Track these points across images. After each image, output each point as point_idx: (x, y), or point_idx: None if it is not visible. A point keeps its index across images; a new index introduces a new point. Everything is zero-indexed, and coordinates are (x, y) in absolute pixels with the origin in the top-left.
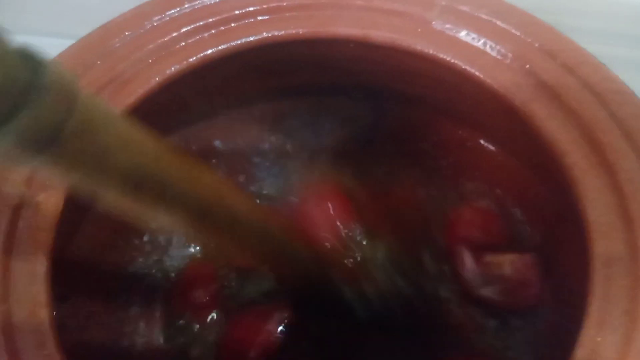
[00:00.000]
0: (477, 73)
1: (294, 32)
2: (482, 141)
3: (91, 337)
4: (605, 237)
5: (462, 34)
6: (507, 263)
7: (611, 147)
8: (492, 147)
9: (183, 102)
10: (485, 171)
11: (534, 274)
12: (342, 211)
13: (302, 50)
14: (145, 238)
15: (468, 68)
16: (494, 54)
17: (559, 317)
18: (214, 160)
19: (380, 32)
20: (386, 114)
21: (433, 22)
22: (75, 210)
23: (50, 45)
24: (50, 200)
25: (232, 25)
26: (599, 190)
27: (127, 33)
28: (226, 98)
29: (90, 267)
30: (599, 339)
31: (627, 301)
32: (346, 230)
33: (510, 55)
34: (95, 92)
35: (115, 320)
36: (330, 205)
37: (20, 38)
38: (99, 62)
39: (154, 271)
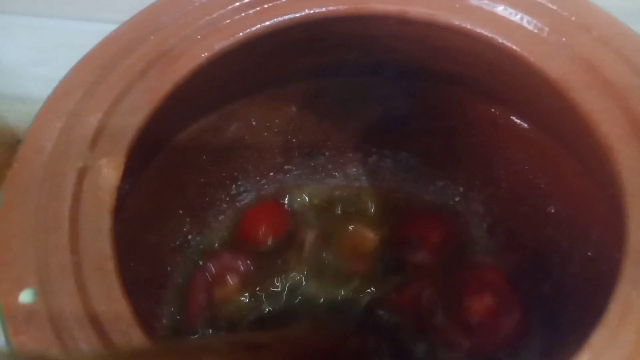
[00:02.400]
0: (513, 47)
1: (334, 8)
2: (514, 118)
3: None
4: (639, 201)
5: (499, 9)
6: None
7: None
8: (524, 124)
9: (226, 79)
10: (517, 148)
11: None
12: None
13: (341, 27)
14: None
15: (505, 42)
16: (530, 27)
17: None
18: (248, 140)
19: (418, 8)
20: (419, 93)
21: None
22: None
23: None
24: (111, 164)
25: (276, 2)
26: (634, 158)
27: (176, 11)
28: (265, 76)
29: (136, 237)
30: (634, 294)
31: None
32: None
33: (546, 29)
34: (146, 65)
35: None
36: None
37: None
38: (152, 37)
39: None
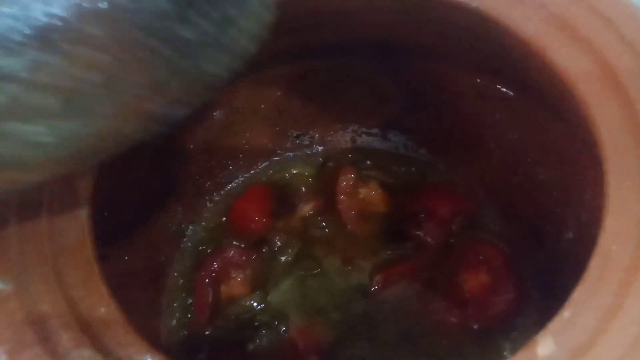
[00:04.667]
0: (489, 11)
1: None
2: (499, 87)
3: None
4: (618, 155)
5: None
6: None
7: (623, 70)
8: (510, 93)
9: None
10: (504, 118)
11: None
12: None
13: (321, 4)
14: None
15: (480, 6)
16: None
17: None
18: (236, 127)
19: None
20: (404, 70)
21: None
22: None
23: None
24: None
25: None
26: (611, 113)
27: None
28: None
29: (129, 227)
30: (614, 247)
31: None
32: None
33: None
34: None
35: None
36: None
37: None
38: None
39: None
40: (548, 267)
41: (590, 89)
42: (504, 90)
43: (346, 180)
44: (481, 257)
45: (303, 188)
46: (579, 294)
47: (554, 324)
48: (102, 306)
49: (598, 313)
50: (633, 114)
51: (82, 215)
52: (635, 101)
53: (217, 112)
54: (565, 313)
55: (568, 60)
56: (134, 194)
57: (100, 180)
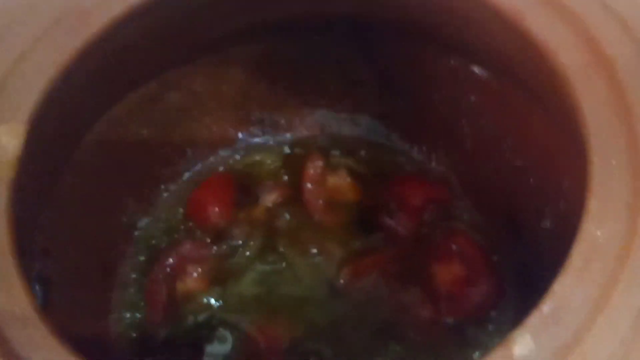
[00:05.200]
0: None
1: None
2: (474, 68)
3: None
4: (602, 132)
5: None
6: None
7: (607, 41)
8: (485, 73)
9: (157, 41)
10: (480, 100)
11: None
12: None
13: None
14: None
15: None
16: None
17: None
18: (195, 111)
19: None
20: (374, 50)
21: None
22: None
23: None
24: (10, 132)
25: None
26: (594, 87)
27: None
28: (204, 38)
29: (74, 220)
30: (598, 232)
31: (628, 194)
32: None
33: None
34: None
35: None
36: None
37: None
38: None
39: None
40: (526, 258)
41: (571, 62)
42: (479, 71)
43: (313, 168)
44: (455, 248)
45: (267, 177)
46: (560, 286)
47: (532, 320)
48: (16, 305)
49: (582, 308)
50: (617, 87)
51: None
52: (620, 73)
53: (173, 94)
54: (545, 308)
55: (547, 32)
56: (82, 183)
57: (28, 167)
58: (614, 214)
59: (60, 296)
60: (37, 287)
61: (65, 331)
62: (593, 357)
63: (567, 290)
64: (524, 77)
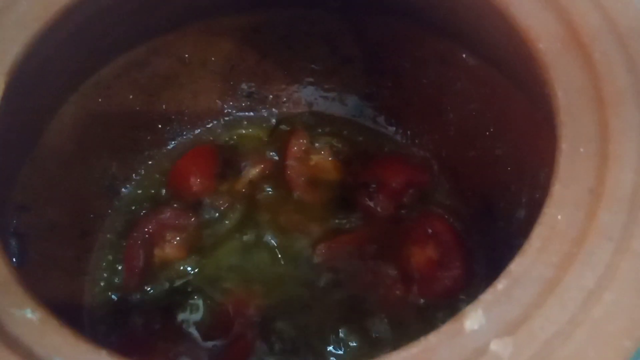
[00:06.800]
0: None
1: None
2: (463, 54)
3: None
4: (574, 120)
5: None
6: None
7: (587, 29)
8: (473, 60)
9: (146, 3)
10: (466, 86)
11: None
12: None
13: None
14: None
15: None
16: None
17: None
18: (182, 79)
19: None
20: (365, 28)
21: None
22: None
23: None
24: None
25: None
26: (570, 75)
27: None
28: (195, 3)
29: (54, 179)
30: (559, 216)
31: (591, 181)
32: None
33: None
34: None
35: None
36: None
37: None
38: None
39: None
40: (499, 245)
41: (550, 48)
42: (467, 57)
43: (297, 145)
44: (430, 231)
45: (251, 151)
46: (516, 266)
47: (486, 296)
48: None
49: (535, 286)
50: (593, 76)
51: None
52: (597, 63)
53: (161, 60)
54: (499, 285)
55: (531, 19)
56: (64, 143)
57: (7, 120)
58: (576, 199)
59: (36, 253)
60: (13, 243)
61: (40, 288)
62: (539, 333)
63: (523, 270)
64: (510, 65)
